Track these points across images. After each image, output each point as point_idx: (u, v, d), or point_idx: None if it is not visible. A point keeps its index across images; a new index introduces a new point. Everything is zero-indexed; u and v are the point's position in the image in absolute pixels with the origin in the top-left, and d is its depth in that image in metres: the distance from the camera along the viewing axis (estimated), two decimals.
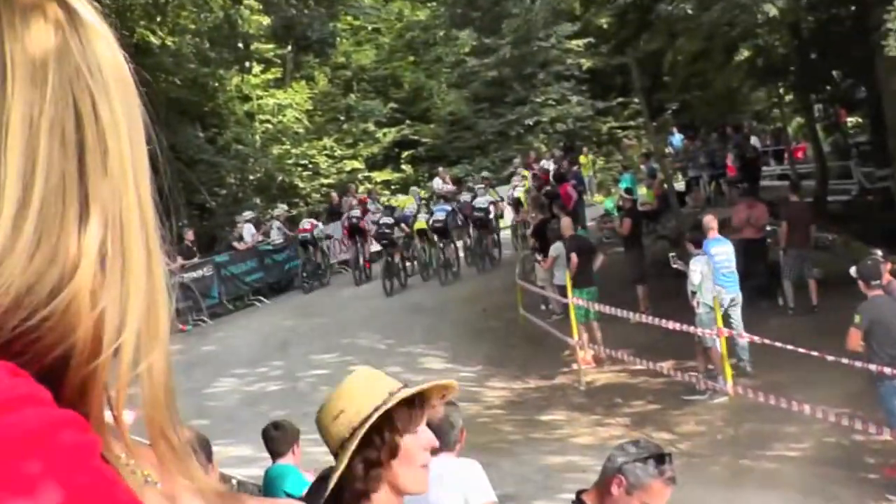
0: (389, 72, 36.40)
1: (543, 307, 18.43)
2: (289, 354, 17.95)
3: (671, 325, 12.92)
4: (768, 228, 16.94)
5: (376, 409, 2.54)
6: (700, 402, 13.03)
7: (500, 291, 19.54)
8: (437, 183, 28.84)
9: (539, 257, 18.02)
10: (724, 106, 29.56)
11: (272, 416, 8.68)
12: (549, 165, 28.07)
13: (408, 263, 23.24)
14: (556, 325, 16.57)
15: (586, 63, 34.70)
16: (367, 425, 2.53)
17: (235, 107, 31.81)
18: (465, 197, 24.31)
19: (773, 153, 29.55)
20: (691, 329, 12.98)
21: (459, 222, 23.47)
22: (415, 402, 2.61)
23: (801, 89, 23.15)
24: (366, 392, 2.60)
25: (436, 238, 22.47)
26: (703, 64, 23.55)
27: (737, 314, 13.76)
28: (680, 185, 27.21)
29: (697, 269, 13.22)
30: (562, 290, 15.96)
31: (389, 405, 2.54)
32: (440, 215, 22.47)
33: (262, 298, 23.75)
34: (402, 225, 23.22)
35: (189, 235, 22.63)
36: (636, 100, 29.21)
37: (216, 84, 30.55)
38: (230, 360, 17.93)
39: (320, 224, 24.74)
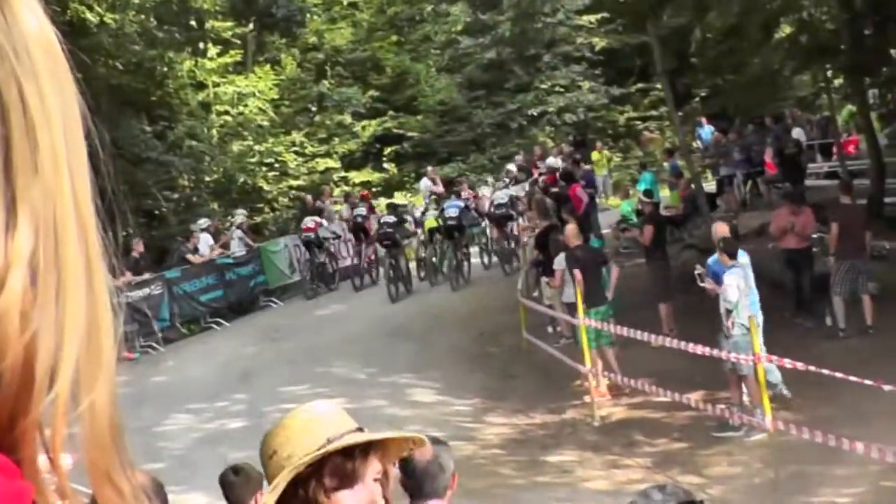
0: (369, 54, 36.39)
1: (551, 329, 18.44)
2: (252, 386, 17.90)
3: (700, 349, 12.89)
4: (814, 236, 16.93)
5: (294, 466, 2.44)
6: (734, 440, 13.04)
7: (501, 310, 19.54)
8: (424, 184, 28.86)
9: (547, 279, 17.97)
10: (761, 92, 29.56)
11: (232, 458, 8.65)
12: (557, 163, 28.12)
13: (413, 265, 23.59)
14: (565, 350, 16.57)
15: (599, 42, 34.80)
16: (287, 478, 2.43)
17: (188, 96, 31.73)
18: (484, 191, 24.51)
19: (819, 147, 29.64)
20: (723, 354, 12.95)
21: (473, 221, 23.67)
22: (354, 453, 2.50)
23: (853, 71, 23.14)
24: (306, 433, 2.50)
25: (448, 238, 22.74)
26: (737, 42, 23.59)
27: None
28: (710, 186, 27.26)
29: (734, 284, 13.19)
30: (571, 310, 15.96)
31: (309, 458, 2.44)
32: (452, 212, 22.73)
33: (221, 321, 23.71)
34: (411, 224, 23.49)
35: (138, 246, 22.56)
36: (658, 85, 29.29)
37: (165, 69, 30.48)
38: (184, 394, 17.87)
39: (324, 222, 24.83)
